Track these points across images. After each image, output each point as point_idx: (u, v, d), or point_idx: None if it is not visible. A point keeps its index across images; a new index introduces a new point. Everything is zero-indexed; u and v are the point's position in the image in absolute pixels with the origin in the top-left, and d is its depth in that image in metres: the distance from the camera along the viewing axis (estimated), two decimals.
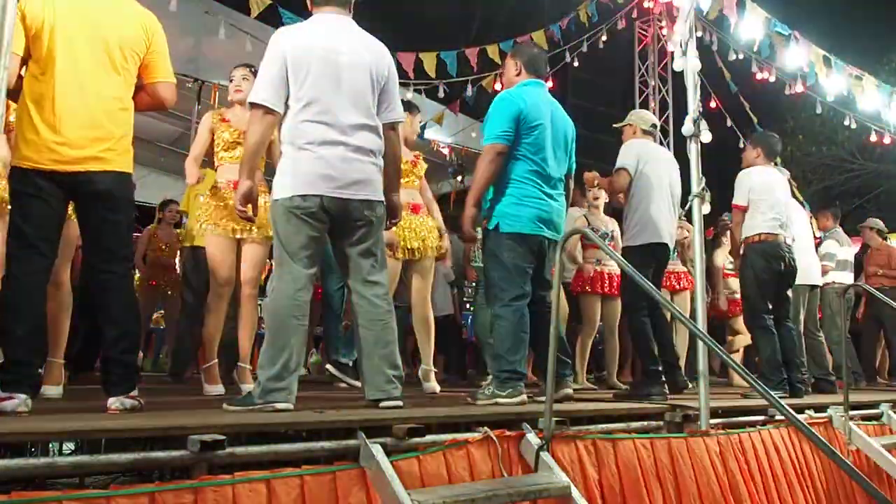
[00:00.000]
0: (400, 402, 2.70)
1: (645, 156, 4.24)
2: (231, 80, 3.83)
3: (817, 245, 6.76)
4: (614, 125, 4.71)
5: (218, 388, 3.59)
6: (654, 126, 4.67)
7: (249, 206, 2.78)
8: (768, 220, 4.61)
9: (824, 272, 6.45)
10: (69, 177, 2.44)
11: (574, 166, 3.64)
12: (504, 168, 3.32)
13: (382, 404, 2.69)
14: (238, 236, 3.58)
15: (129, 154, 2.59)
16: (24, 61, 2.47)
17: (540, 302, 3.39)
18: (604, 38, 9.84)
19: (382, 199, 2.86)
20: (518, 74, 3.54)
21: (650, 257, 4.13)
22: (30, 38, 2.45)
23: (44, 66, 2.45)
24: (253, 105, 2.72)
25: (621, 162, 4.24)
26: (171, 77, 2.73)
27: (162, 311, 6.71)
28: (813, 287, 5.31)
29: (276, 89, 2.70)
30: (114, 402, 2.40)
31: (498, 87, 7.77)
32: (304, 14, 2.99)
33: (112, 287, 2.52)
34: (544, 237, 3.35)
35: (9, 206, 2.77)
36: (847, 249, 6.73)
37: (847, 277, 6.57)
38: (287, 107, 2.74)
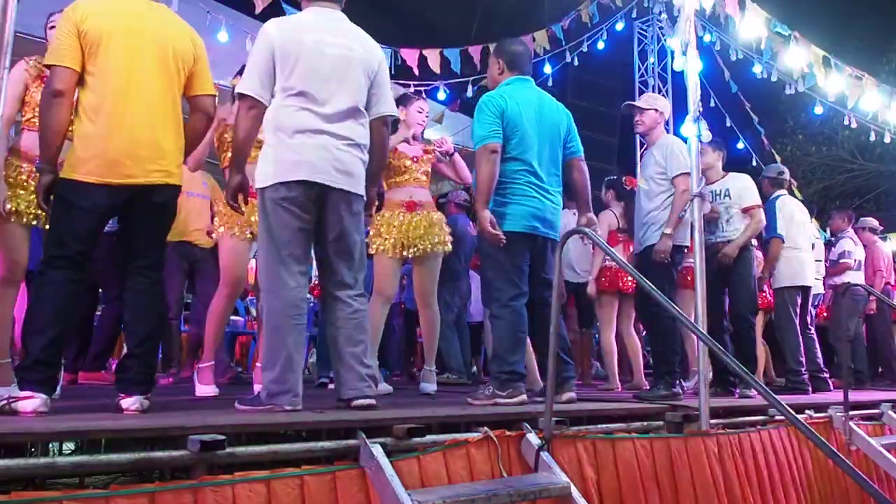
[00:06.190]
0: (373, 401, 2.67)
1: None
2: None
3: (833, 245, 6.78)
4: (632, 104, 4.44)
5: (211, 389, 3.55)
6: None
7: (241, 198, 2.78)
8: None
9: (843, 270, 6.46)
10: (132, 189, 2.46)
11: (581, 148, 3.57)
12: None
13: (354, 403, 2.65)
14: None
15: (181, 168, 2.65)
16: (80, 76, 2.46)
17: (541, 303, 3.35)
18: (604, 37, 9.83)
19: (362, 193, 2.81)
20: (501, 73, 3.51)
21: (679, 257, 4.17)
22: (87, 53, 2.45)
23: (107, 80, 2.46)
24: (240, 96, 2.72)
25: (687, 165, 3.94)
26: (213, 90, 2.78)
27: None
28: (804, 288, 5.32)
29: (263, 80, 2.69)
30: (133, 403, 2.41)
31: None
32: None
33: (149, 291, 2.57)
34: (539, 235, 3.32)
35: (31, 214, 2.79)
36: (861, 250, 6.74)
37: (861, 277, 6.58)
38: (273, 96, 2.72)
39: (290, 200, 2.64)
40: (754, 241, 4.86)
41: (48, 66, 2.47)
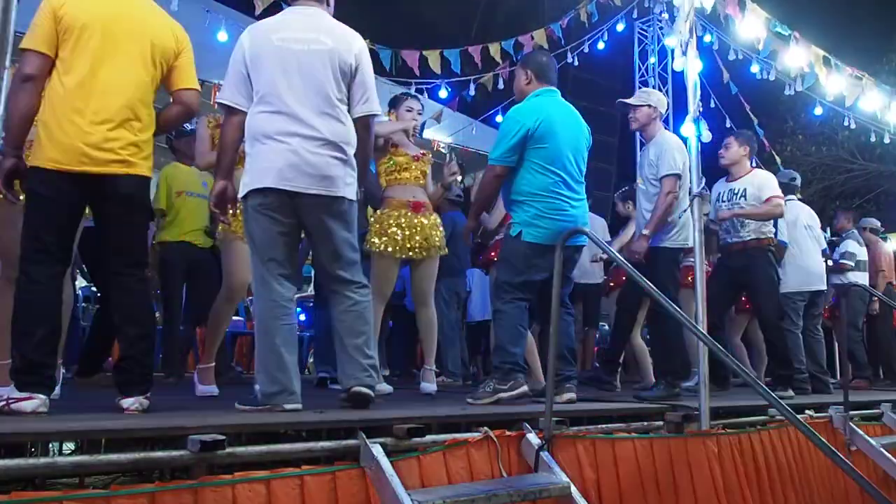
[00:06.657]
0: (370, 392, 2.70)
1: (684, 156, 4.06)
2: None
3: (836, 245, 6.79)
4: (626, 101, 4.37)
5: (212, 389, 3.56)
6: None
7: (228, 206, 2.80)
8: (771, 225, 4.74)
9: (843, 270, 6.46)
10: (95, 179, 2.43)
11: (584, 171, 3.60)
12: (527, 181, 3.34)
13: (353, 390, 2.68)
14: None
15: (150, 159, 2.62)
16: (53, 62, 2.44)
17: (565, 304, 3.42)
18: (604, 37, 9.82)
19: (344, 194, 2.74)
20: (528, 83, 3.53)
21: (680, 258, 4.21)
22: (62, 39, 2.43)
23: (76, 67, 2.43)
24: (219, 105, 2.75)
25: (675, 167, 4.01)
26: (196, 84, 2.76)
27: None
28: (815, 292, 5.32)
29: (238, 87, 2.71)
30: (133, 403, 2.41)
31: (500, 86, 7.80)
32: None
33: (134, 289, 2.54)
34: (569, 245, 3.30)
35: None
36: (864, 250, 6.75)
37: (864, 278, 6.58)
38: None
39: (266, 206, 2.66)
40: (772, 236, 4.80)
41: (22, 51, 2.43)
